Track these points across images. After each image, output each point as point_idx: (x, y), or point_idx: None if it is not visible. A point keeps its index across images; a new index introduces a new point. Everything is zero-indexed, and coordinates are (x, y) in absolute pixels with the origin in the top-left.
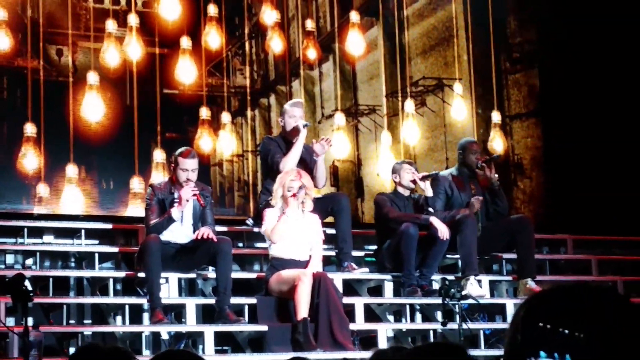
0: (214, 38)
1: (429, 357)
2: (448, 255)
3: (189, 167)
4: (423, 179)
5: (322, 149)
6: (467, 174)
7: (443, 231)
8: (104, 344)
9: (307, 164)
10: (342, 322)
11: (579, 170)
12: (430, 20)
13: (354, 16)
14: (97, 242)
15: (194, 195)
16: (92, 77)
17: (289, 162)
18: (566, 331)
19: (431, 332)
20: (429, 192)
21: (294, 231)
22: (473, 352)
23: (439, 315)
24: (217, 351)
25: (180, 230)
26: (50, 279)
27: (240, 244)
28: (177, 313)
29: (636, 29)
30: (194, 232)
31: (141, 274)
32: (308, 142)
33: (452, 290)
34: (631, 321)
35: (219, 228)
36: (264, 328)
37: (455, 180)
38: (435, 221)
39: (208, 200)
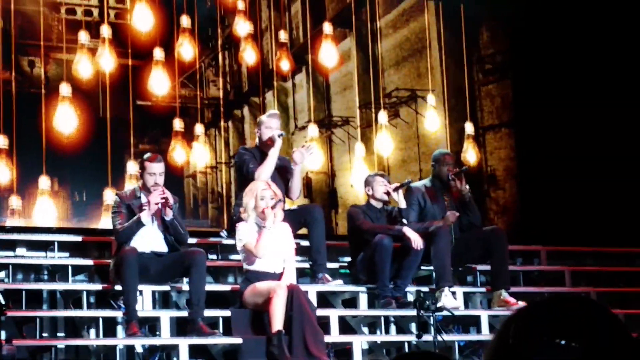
0: (187, 49)
1: None
2: (422, 267)
3: (156, 170)
4: (396, 189)
5: (301, 157)
6: (440, 186)
7: (417, 241)
8: None
9: (282, 174)
10: (316, 335)
11: (552, 181)
12: (403, 31)
13: (327, 27)
14: (70, 254)
15: (163, 199)
16: (65, 89)
17: (264, 171)
18: (562, 342)
19: (406, 344)
20: (403, 204)
21: (271, 243)
22: None
23: (413, 327)
24: None
25: (152, 237)
26: (23, 292)
27: (214, 256)
28: (151, 326)
29: (609, 40)
30: (165, 239)
31: (117, 287)
32: (282, 154)
33: (427, 302)
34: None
35: (192, 240)
36: (239, 341)
37: (428, 192)
38: (408, 232)
39: (175, 208)
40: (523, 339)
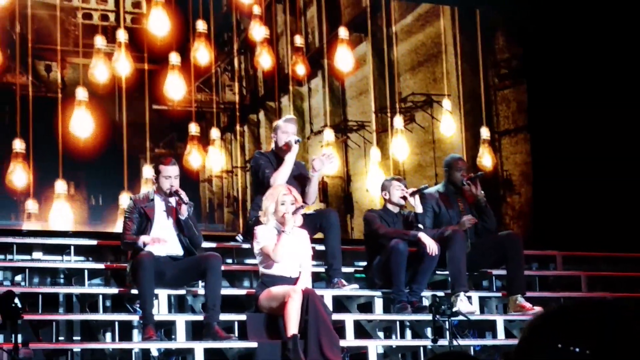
0: (202, 54)
1: None
2: (438, 272)
3: (171, 173)
4: (412, 194)
5: (321, 165)
6: (453, 191)
7: (432, 247)
8: None
9: (298, 180)
10: (331, 339)
11: (568, 186)
12: (418, 36)
13: (343, 32)
14: (86, 258)
15: (177, 197)
16: (81, 93)
17: (280, 177)
18: (577, 349)
19: (421, 348)
20: (419, 209)
21: (290, 248)
22: None
23: (429, 331)
24: None
25: (168, 239)
26: (40, 296)
27: (230, 260)
28: (166, 330)
29: (624, 43)
30: (180, 242)
31: (133, 290)
32: (298, 158)
33: (442, 306)
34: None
35: (208, 244)
36: (254, 345)
37: (442, 197)
38: (423, 237)
39: (190, 212)
40: (535, 345)
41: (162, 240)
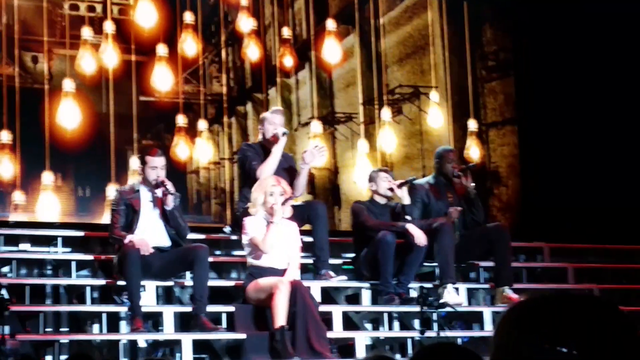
0: (190, 45)
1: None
2: (425, 263)
3: (158, 164)
4: (400, 186)
5: (312, 158)
6: (443, 183)
7: (420, 238)
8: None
9: (286, 172)
10: (319, 330)
11: (555, 178)
12: (406, 28)
13: (330, 24)
14: (73, 249)
15: (163, 187)
16: (68, 84)
17: (267, 169)
18: (564, 349)
19: (409, 340)
20: (407, 200)
21: (278, 239)
22: None
23: (416, 323)
24: (195, 359)
25: (154, 231)
26: (27, 287)
27: (218, 252)
28: (154, 321)
29: (613, 36)
30: (166, 232)
31: (120, 282)
32: (285, 151)
33: (430, 298)
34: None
35: (196, 236)
36: (242, 336)
37: (432, 189)
38: (411, 228)
39: (177, 203)
40: (518, 343)
41: (147, 247)
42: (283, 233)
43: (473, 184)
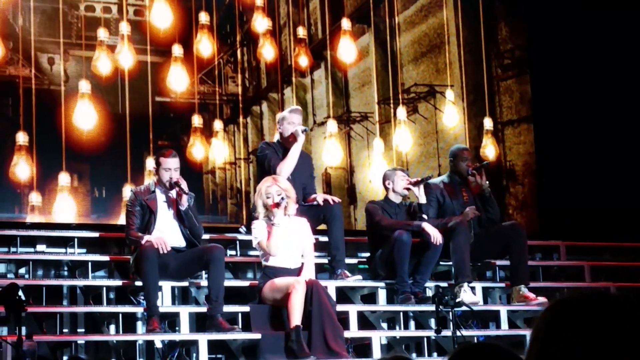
0: (205, 46)
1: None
2: (441, 262)
3: (171, 166)
4: (416, 184)
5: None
6: (458, 181)
7: (436, 236)
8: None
9: (304, 171)
10: (335, 330)
11: (571, 176)
12: (421, 27)
13: (346, 23)
14: (90, 250)
15: (177, 187)
16: (84, 86)
17: (286, 167)
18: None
19: (425, 339)
20: (423, 199)
21: (284, 240)
22: None
23: (432, 322)
24: (210, 359)
25: (169, 231)
26: (44, 288)
27: (233, 252)
28: (170, 321)
29: (628, 34)
30: (182, 233)
31: (137, 282)
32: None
33: (446, 297)
34: None
35: (211, 236)
36: (258, 336)
37: (447, 188)
38: (427, 227)
39: (191, 203)
40: (562, 346)
41: (165, 245)
42: (290, 231)
43: (487, 182)
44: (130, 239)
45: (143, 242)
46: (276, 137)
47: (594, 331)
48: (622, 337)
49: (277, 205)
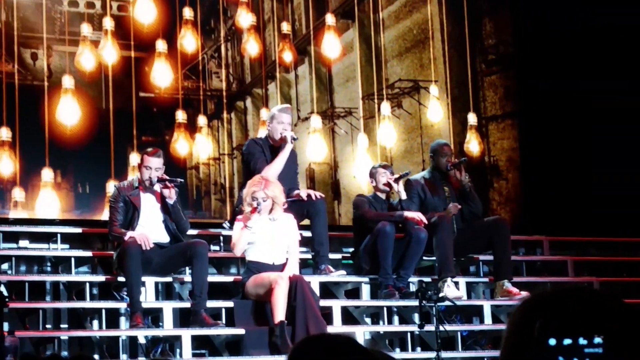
0: (189, 41)
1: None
2: (425, 258)
3: (152, 165)
4: (395, 180)
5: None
6: (439, 177)
7: (418, 217)
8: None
9: (289, 169)
10: (319, 325)
11: (554, 171)
12: (406, 22)
13: (330, 19)
14: (73, 246)
15: (163, 182)
16: (68, 81)
17: (272, 170)
18: (585, 341)
19: (408, 334)
20: (403, 195)
21: (268, 235)
22: (450, 354)
23: (416, 317)
24: (194, 355)
25: (154, 227)
26: (26, 284)
27: (217, 247)
28: (154, 317)
29: (613, 31)
30: (166, 228)
31: (120, 278)
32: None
33: (429, 292)
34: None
35: (195, 231)
36: (241, 331)
37: (428, 184)
38: (409, 213)
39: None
40: (549, 336)
41: (148, 241)
42: (276, 228)
43: (467, 177)
44: (114, 235)
45: (126, 238)
46: (263, 134)
47: (565, 326)
48: (597, 330)
49: (255, 210)
